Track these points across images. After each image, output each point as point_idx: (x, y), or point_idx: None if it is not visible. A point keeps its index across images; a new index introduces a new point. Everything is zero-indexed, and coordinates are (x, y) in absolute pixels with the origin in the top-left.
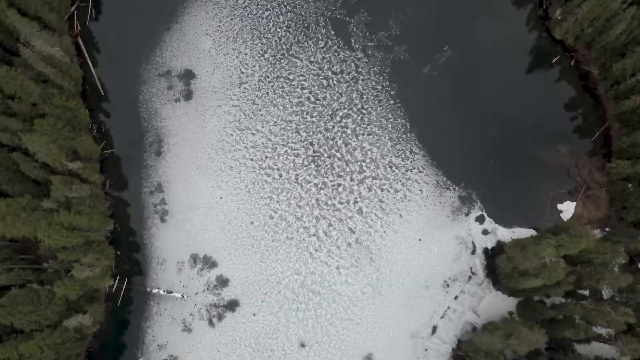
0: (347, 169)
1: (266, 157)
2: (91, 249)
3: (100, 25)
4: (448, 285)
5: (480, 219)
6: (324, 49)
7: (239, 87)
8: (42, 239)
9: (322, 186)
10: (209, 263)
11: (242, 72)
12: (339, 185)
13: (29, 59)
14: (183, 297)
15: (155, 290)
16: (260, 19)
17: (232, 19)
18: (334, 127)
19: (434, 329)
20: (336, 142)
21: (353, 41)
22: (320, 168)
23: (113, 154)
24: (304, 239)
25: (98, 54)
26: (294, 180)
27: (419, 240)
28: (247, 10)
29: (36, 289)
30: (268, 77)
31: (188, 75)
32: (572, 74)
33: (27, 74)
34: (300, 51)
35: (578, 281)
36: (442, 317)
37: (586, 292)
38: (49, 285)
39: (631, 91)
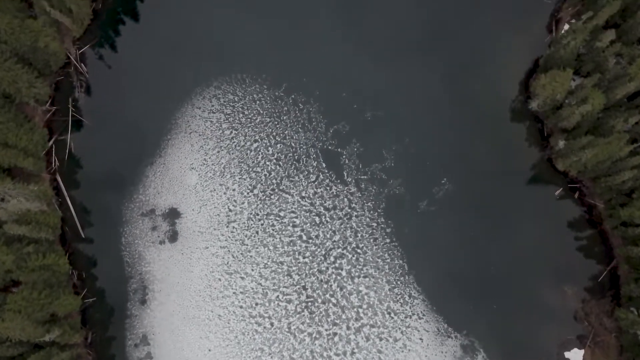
0: (343, 316)
1: (256, 304)
2: None
3: (79, 160)
4: None
5: None
6: (316, 183)
7: (227, 227)
8: None
9: (317, 336)
10: None
11: (230, 210)
12: (335, 334)
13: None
14: None
15: None
16: (249, 152)
17: (218, 152)
18: (327, 268)
19: None
20: (331, 285)
21: (345, 174)
22: (314, 315)
23: (95, 302)
24: None
25: (77, 192)
26: (287, 330)
27: None
28: (234, 142)
29: None
30: (258, 214)
31: (173, 214)
32: (576, 207)
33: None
34: (291, 186)
35: None
36: None
37: None
38: None
39: None
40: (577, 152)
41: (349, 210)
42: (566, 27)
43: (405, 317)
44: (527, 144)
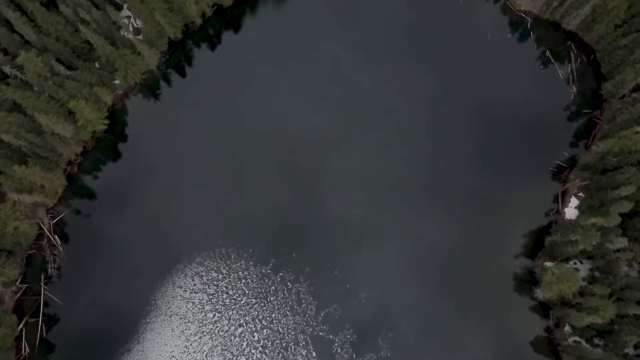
0: None
1: None
2: None
3: (52, 345)
4: None
5: None
6: None
7: None
8: None
9: None
10: None
11: None
12: None
13: None
14: None
15: None
16: (233, 337)
17: (200, 337)
18: None
19: None
20: None
21: None
22: None
23: None
24: None
25: None
26: None
27: None
28: (217, 327)
29: None
30: None
31: None
32: None
33: None
34: None
35: None
36: None
37: None
38: None
39: None
40: (588, 354)
41: None
42: (573, 200)
43: None
44: (532, 331)
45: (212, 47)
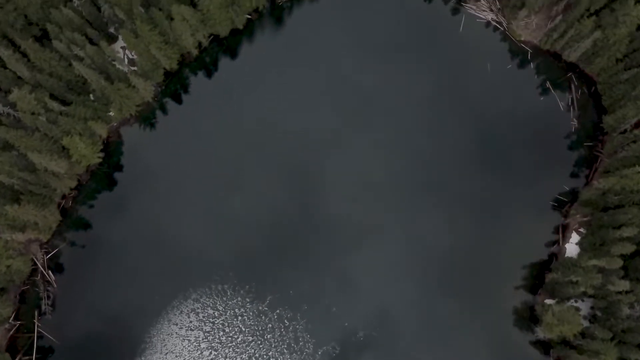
0: None
1: None
2: None
3: None
4: None
5: None
6: None
7: None
8: None
9: None
10: None
11: None
12: None
13: None
14: None
15: None
16: None
17: None
18: None
19: None
20: None
21: None
22: None
23: None
24: None
25: None
26: None
27: None
28: None
29: None
30: None
31: None
32: None
33: None
34: None
35: None
36: None
37: None
38: None
39: None
40: None
41: None
42: (574, 236)
43: None
44: None
45: (209, 74)
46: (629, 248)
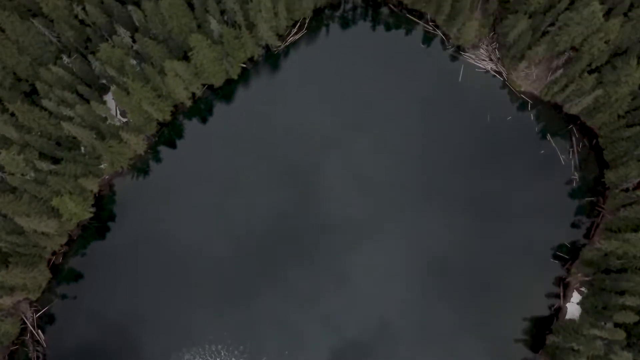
0: None
1: None
2: None
3: None
4: None
5: None
6: None
7: None
8: None
9: None
10: None
11: None
12: None
13: None
14: None
15: None
16: None
17: None
18: None
19: None
20: None
21: None
22: None
23: None
24: None
25: None
26: None
27: None
28: None
29: None
30: None
31: None
32: None
33: None
34: None
35: None
36: None
37: None
38: None
39: None
40: None
41: None
42: (575, 295)
43: None
44: None
45: (204, 120)
46: (632, 318)
